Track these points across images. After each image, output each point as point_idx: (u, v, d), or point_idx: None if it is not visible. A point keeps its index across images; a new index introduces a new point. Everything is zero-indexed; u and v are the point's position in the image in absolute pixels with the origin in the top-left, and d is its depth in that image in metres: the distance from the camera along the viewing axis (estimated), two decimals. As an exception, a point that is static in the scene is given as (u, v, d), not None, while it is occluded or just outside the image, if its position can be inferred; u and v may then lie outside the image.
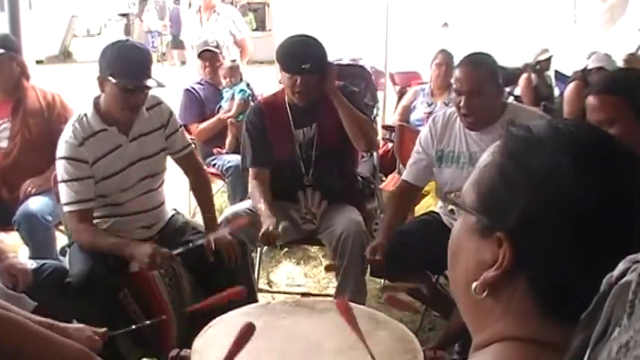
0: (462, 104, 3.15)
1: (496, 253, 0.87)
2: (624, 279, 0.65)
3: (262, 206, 3.42)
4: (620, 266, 0.67)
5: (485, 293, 0.88)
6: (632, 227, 0.82)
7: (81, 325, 2.38)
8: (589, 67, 6.16)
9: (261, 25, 20.95)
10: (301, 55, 3.45)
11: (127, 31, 23.44)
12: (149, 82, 3.05)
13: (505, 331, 0.88)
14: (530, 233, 0.84)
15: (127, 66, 3.00)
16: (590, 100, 2.61)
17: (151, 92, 3.19)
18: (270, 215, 3.34)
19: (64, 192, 3.08)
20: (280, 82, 3.70)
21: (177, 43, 18.04)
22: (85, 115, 3.11)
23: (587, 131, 0.90)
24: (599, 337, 0.65)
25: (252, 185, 3.62)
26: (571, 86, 6.13)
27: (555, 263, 0.83)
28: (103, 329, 2.41)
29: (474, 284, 0.89)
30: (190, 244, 3.10)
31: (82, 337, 2.31)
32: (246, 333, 1.93)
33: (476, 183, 0.93)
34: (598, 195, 0.83)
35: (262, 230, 3.26)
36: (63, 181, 3.07)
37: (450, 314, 3.38)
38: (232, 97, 5.32)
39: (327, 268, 3.76)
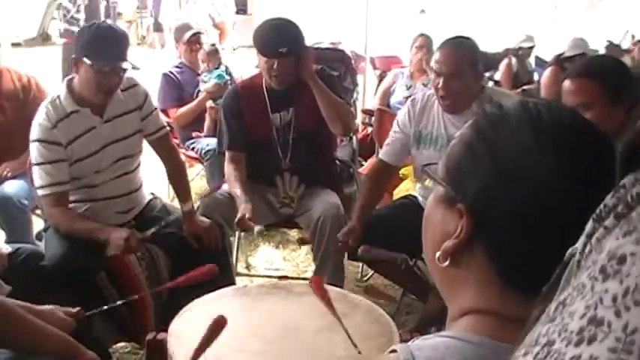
0: (440, 86, 3.16)
1: (457, 224, 0.89)
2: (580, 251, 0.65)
3: (238, 191, 3.41)
4: (582, 238, 0.67)
5: (448, 262, 0.91)
6: (593, 205, 0.82)
7: (52, 307, 2.36)
8: (566, 52, 6.20)
9: (242, 9, 20.81)
10: (278, 39, 3.43)
11: (107, 13, 23.17)
12: (124, 65, 3.02)
13: (471, 302, 0.91)
14: (488, 206, 0.86)
15: (103, 48, 2.97)
16: (567, 83, 2.63)
17: (128, 74, 3.16)
18: (245, 201, 3.34)
19: (38, 175, 3.04)
20: (257, 67, 3.68)
21: (158, 26, 17.89)
22: (58, 96, 3.07)
23: (555, 110, 0.91)
24: (544, 296, 0.66)
25: (227, 169, 3.61)
26: (548, 71, 6.17)
27: (512, 237, 0.86)
28: (77, 309, 2.41)
29: (437, 253, 0.91)
30: (162, 223, 3.09)
31: (54, 319, 2.30)
32: (218, 326, 1.92)
33: (446, 156, 0.96)
34: (558, 172, 0.84)
35: (238, 216, 3.26)
36: (37, 163, 3.04)
37: (426, 298, 3.40)
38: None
39: (300, 241, 3.75)
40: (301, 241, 3.65)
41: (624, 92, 2.57)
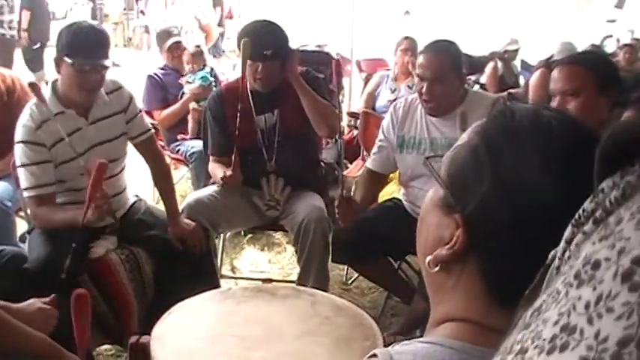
0: (423, 90, 3.17)
1: (453, 233, 0.87)
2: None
3: (219, 172, 3.46)
4: (562, 244, 0.67)
5: (437, 268, 0.89)
6: None
7: (31, 300, 2.35)
8: (555, 56, 6.23)
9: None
10: (262, 42, 3.42)
11: (94, 15, 23.11)
12: (105, 62, 3.01)
13: (455, 310, 0.89)
14: (486, 222, 0.84)
15: (83, 46, 2.96)
16: (555, 71, 2.66)
17: (113, 77, 3.16)
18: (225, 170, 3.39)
19: (23, 177, 3.02)
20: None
21: (147, 28, 17.86)
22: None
23: (569, 127, 0.87)
24: (527, 297, 0.65)
25: (212, 167, 3.64)
26: (537, 74, 6.19)
27: (507, 254, 0.84)
28: (52, 296, 2.40)
29: (428, 258, 0.90)
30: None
31: (33, 310, 2.30)
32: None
33: (451, 157, 0.92)
34: (562, 196, 0.79)
35: (221, 175, 3.34)
36: (22, 165, 3.02)
37: (411, 300, 3.40)
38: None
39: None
40: None
41: (611, 84, 2.61)
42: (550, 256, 0.68)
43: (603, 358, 0.44)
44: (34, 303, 2.34)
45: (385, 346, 2.15)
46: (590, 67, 2.61)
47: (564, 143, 0.85)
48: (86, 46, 2.97)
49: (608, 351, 0.44)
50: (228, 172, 3.29)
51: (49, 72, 9.18)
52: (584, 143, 0.85)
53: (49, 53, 9.56)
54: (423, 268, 0.95)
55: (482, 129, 0.90)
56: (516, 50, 7.61)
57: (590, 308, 0.46)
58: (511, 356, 0.53)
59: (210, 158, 3.65)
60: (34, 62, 9.55)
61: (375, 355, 0.87)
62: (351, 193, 3.72)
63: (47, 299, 2.39)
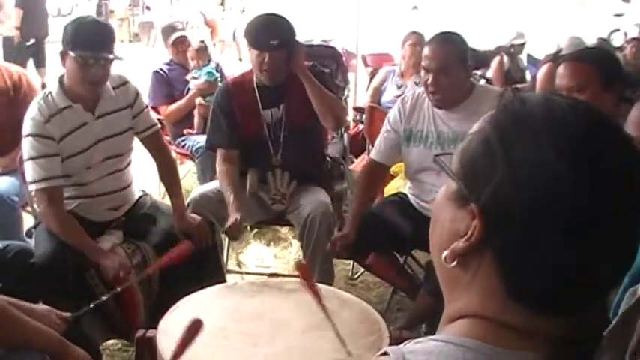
0: (429, 82, 3.16)
1: (469, 225, 0.86)
2: None
3: (230, 197, 3.40)
4: None
5: (454, 263, 0.88)
6: (607, 222, 0.81)
7: (47, 308, 2.37)
8: (563, 51, 6.22)
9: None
10: (269, 32, 3.43)
11: (99, 11, 23.17)
12: (109, 56, 3.02)
13: (470, 306, 0.88)
14: (501, 212, 0.83)
15: (86, 39, 2.97)
16: (561, 67, 2.66)
17: (119, 72, 3.16)
18: (236, 209, 3.33)
19: (31, 170, 3.02)
20: (250, 62, 3.67)
21: (152, 24, 17.89)
22: (50, 92, 3.07)
23: (581, 114, 0.86)
24: (633, 351, 0.64)
25: (219, 171, 3.59)
26: (544, 68, 6.19)
27: (521, 248, 0.82)
28: (67, 314, 2.41)
29: (444, 253, 0.89)
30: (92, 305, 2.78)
31: (45, 310, 2.31)
32: (194, 329, 1.90)
33: (462, 149, 0.91)
34: (577, 185, 0.80)
35: (227, 224, 3.28)
36: (30, 158, 3.01)
37: (416, 295, 3.40)
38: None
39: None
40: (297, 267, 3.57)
41: (615, 80, 2.61)
42: (628, 294, 0.67)
43: None
44: (49, 313, 2.35)
45: (391, 340, 2.16)
46: (594, 63, 2.61)
47: (578, 128, 0.83)
48: (89, 39, 2.98)
49: None
50: (237, 222, 3.27)
51: (52, 68, 9.23)
52: (598, 128, 0.85)
53: (52, 49, 9.62)
54: (437, 265, 0.94)
55: (493, 119, 0.89)
56: (522, 44, 7.59)
57: None
58: None
59: (218, 152, 3.63)
60: (21, 58, 9.48)
61: (386, 354, 0.86)
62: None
63: (64, 315, 2.41)
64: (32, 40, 9.65)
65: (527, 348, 0.84)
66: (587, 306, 0.85)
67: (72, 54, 2.97)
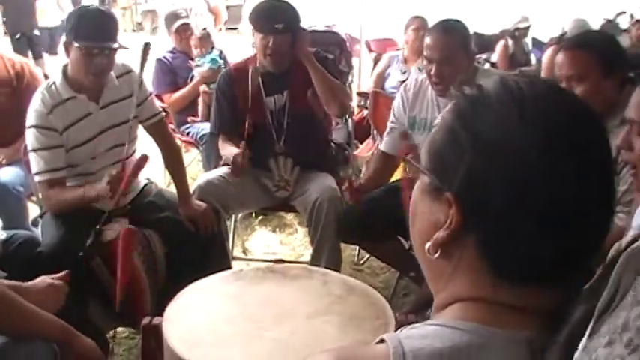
0: (433, 72, 3.15)
1: (447, 215, 0.86)
2: (634, 245, 0.64)
3: (232, 148, 3.44)
4: (630, 233, 0.67)
5: (438, 254, 0.88)
6: (580, 188, 0.81)
7: (43, 283, 2.37)
8: (568, 34, 6.18)
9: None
10: (274, 15, 3.44)
11: (102, 2, 23.11)
12: (113, 45, 3.01)
13: (459, 291, 0.89)
14: (476, 194, 0.83)
15: (90, 29, 2.97)
16: (560, 55, 2.64)
17: (123, 61, 3.16)
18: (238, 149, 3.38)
19: (35, 161, 3.04)
20: (253, 47, 3.66)
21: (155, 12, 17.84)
22: (54, 82, 3.07)
23: (537, 86, 0.87)
24: (604, 307, 0.65)
25: (221, 147, 3.64)
26: (549, 51, 6.15)
27: (503, 226, 0.82)
28: (64, 272, 2.42)
29: (427, 245, 0.89)
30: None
31: (43, 287, 2.32)
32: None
33: (428, 143, 0.92)
34: (544, 156, 0.81)
35: (232, 158, 3.33)
36: (33, 150, 3.03)
37: (422, 280, 3.40)
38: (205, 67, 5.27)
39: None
40: None
41: (617, 66, 2.58)
42: (613, 249, 0.67)
43: None
44: (43, 279, 2.36)
45: (397, 324, 2.17)
46: (594, 51, 2.57)
47: (534, 100, 0.84)
48: (93, 29, 2.98)
49: None
50: (238, 158, 3.30)
51: (48, 59, 9.22)
52: (552, 97, 0.86)
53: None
54: (421, 258, 0.95)
55: (455, 107, 0.90)
56: (527, 28, 7.55)
57: None
58: (629, 334, 0.53)
59: (220, 137, 3.64)
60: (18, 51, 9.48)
61: (383, 340, 0.86)
62: (361, 175, 3.71)
63: (59, 275, 2.41)
64: (18, 35, 9.61)
65: (522, 325, 0.84)
66: (574, 275, 0.85)
67: (76, 44, 2.96)
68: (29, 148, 3.06)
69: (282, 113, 3.57)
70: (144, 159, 2.85)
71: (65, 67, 3.10)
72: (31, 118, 3.03)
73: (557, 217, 0.80)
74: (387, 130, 3.50)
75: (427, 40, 3.20)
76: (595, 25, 7.16)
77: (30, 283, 2.35)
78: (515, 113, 0.83)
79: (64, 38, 3.05)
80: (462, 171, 0.84)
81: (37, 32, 9.74)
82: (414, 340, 0.84)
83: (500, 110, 0.84)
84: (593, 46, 2.59)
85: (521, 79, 0.88)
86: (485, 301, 0.86)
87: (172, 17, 5.62)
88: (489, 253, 0.85)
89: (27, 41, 9.69)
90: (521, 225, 0.81)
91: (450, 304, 0.90)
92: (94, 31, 2.97)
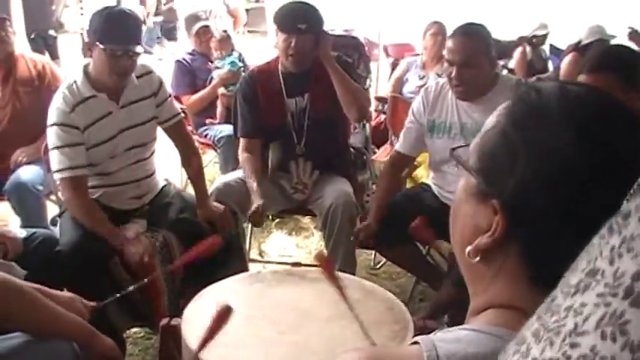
0: (453, 75, 3.14)
1: (491, 220, 0.85)
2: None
3: (253, 185, 3.41)
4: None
5: (478, 258, 0.88)
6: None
7: (72, 296, 2.38)
8: (583, 41, 6.14)
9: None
10: (298, 16, 3.46)
11: (118, 2, 23.18)
12: (137, 48, 3.02)
13: (497, 297, 0.88)
14: (524, 206, 0.82)
15: (115, 31, 2.98)
16: (583, 77, 2.61)
17: (143, 62, 3.17)
18: (259, 196, 3.34)
19: (56, 159, 3.04)
20: (276, 47, 3.67)
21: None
22: (75, 81, 3.08)
23: (597, 99, 0.86)
24: None
25: (242, 158, 3.61)
26: (568, 58, 6.12)
27: (547, 239, 0.82)
28: (92, 303, 2.43)
29: (468, 248, 0.88)
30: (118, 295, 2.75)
31: (69, 298, 2.33)
32: (223, 316, 1.91)
33: (479, 144, 0.90)
34: (595, 175, 0.80)
35: (250, 211, 3.30)
36: (55, 147, 3.03)
37: (439, 285, 3.39)
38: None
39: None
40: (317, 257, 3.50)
41: (637, 80, 2.56)
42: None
43: (617, 292, 0.47)
44: (74, 300, 2.37)
45: (416, 330, 2.16)
46: (614, 72, 2.54)
47: (596, 115, 0.83)
48: (118, 31, 2.99)
49: (622, 285, 0.46)
50: (260, 209, 3.30)
51: (65, 59, 9.24)
52: (616, 113, 0.85)
53: (63, 40, 9.64)
54: (460, 259, 0.94)
55: (509, 111, 0.88)
56: (545, 35, 7.51)
57: (614, 251, 0.49)
58: (545, 304, 0.55)
59: (240, 141, 3.65)
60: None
61: (417, 343, 0.86)
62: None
63: (89, 303, 2.42)
64: (33, 34, 9.64)
65: None
66: None
67: (100, 46, 2.97)
68: (50, 146, 3.07)
69: (303, 115, 3.57)
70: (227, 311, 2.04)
71: (86, 66, 3.12)
72: (52, 116, 3.04)
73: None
74: (404, 130, 3.49)
75: (449, 43, 3.20)
76: (614, 31, 7.11)
77: (59, 293, 2.36)
78: (573, 127, 0.82)
79: (86, 38, 3.06)
80: (512, 179, 0.83)
81: (52, 32, 9.76)
82: (448, 344, 0.84)
83: (557, 122, 0.83)
84: (612, 67, 2.56)
85: (583, 89, 0.87)
86: (520, 310, 0.86)
87: (193, 19, 5.64)
88: (531, 262, 0.84)
89: (43, 41, 9.72)
90: (567, 236, 0.79)
91: (485, 309, 0.90)
92: (119, 34, 2.99)
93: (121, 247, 2.98)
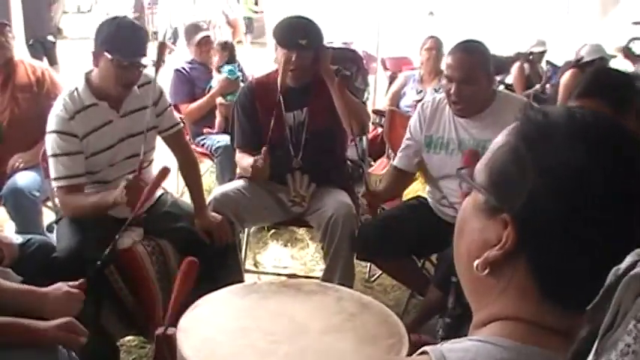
0: (452, 91, 3.15)
1: (500, 234, 0.87)
2: (634, 271, 0.65)
3: (250, 158, 3.45)
4: (629, 258, 0.68)
5: (487, 272, 0.89)
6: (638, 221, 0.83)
7: (60, 290, 2.38)
8: (585, 58, 6.18)
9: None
10: (298, 31, 3.47)
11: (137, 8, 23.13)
12: (143, 60, 3.04)
13: (504, 310, 0.90)
14: (535, 219, 0.84)
15: (123, 43, 2.99)
16: (574, 102, 2.62)
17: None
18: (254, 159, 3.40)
19: (54, 166, 3.05)
20: (275, 62, 3.68)
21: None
22: (76, 89, 3.09)
23: (602, 121, 0.89)
24: (607, 328, 0.66)
25: (238, 157, 3.66)
26: (568, 74, 6.15)
27: (557, 251, 0.84)
28: (80, 280, 2.42)
29: (476, 262, 0.90)
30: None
31: (59, 294, 2.32)
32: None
33: (489, 162, 0.92)
34: (607, 187, 0.83)
35: (251, 164, 3.36)
36: (53, 155, 3.04)
37: (427, 289, 3.39)
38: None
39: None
40: None
41: (632, 102, 2.57)
42: (611, 273, 0.68)
43: None
44: (60, 287, 2.38)
45: (410, 343, 2.16)
46: (605, 98, 2.54)
47: (603, 136, 0.86)
48: (126, 43, 3.00)
49: None
50: (259, 160, 3.31)
51: (64, 66, 9.25)
52: (621, 137, 0.87)
53: (61, 46, 9.62)
54: (465, 274, 0.96)
55: (518, 130, 0.91)
56: (542, 52, 7.56)
57: None
58: None
59: (237, 151, 3.67)
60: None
61: (425, 352, 0.87)
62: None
63: (76, 283, 2.43)
64: (31, 40, 9.64)
65: (561, 348, 0.85)
66: None
67: (108, 55, 2.98)
68: (49, 153, 3.08)
69: (301, 129, 3.59)
70: (165, 171, 2.85)
71: (88, 73, 3.13)
72: (52, 124, 3.05)
73: (614, 245, 0.81)
74: (402, 146, 3.50)
75: (448, 59, 3.21)
76: (608, 47, 7.16)
77: (47, 288, 2.37)
78: (582, 147, 0.84)
79: (92, 46, 3.06)
80: (523, 194, 0.85)
81: (50, 38, 9.76)
82: (457, 354, 0.85)
83: (567, 140, 0.86)
84: (603, 94, 2.56)
85: (589, 113, 0.89)
86: (526, 322, 0.88)
87: (193, 29, 5.65)
88: (541, 275, 0.86)
89: (41, 47, 9.72)
90: (576, 248, 0.83)
91: (490, 322, 0.91)
92: (128, 45, 2.99)
93: (110, 202, 2.93)
